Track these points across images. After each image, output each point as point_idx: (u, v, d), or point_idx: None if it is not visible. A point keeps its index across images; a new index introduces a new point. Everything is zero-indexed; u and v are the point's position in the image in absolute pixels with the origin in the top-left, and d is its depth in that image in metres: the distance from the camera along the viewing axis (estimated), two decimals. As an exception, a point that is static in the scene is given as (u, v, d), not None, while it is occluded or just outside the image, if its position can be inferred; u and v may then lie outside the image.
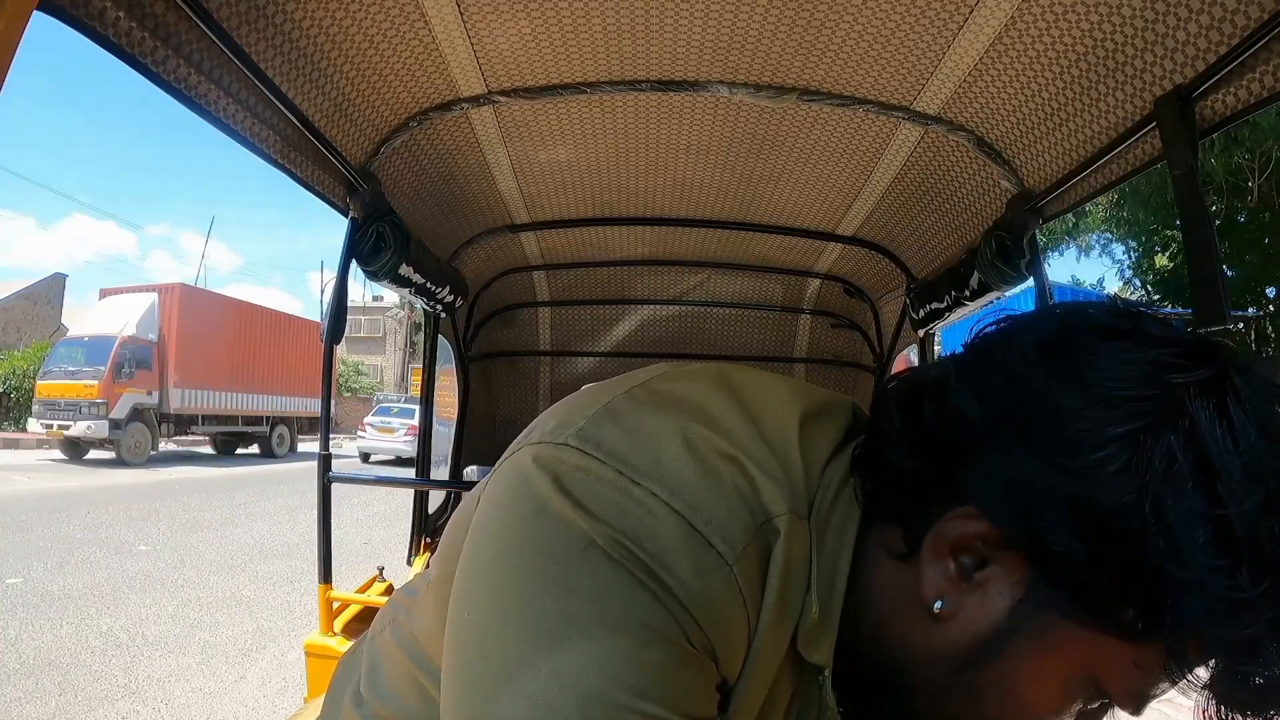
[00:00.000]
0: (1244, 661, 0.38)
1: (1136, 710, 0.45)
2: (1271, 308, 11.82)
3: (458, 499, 2.54)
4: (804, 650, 0.47)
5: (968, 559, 0.45)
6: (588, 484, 0.42)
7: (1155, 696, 0.44)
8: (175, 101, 0.97)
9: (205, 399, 15.22)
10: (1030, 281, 1.49)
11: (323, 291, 22.57)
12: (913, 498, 0.47)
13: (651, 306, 2.75)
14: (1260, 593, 0.37)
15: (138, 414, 13.64)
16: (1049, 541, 0.40)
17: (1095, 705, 0.45)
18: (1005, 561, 0.44)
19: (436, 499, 2.57)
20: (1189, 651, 0.40)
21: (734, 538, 0.42)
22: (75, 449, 13.49)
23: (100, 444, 13.29)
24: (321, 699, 0.71)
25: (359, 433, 17.27)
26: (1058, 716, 0.45)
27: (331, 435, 1.92)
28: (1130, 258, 14.11)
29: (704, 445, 0.45)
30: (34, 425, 13.66)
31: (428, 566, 0.63)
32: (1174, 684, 0.42)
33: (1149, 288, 13.22)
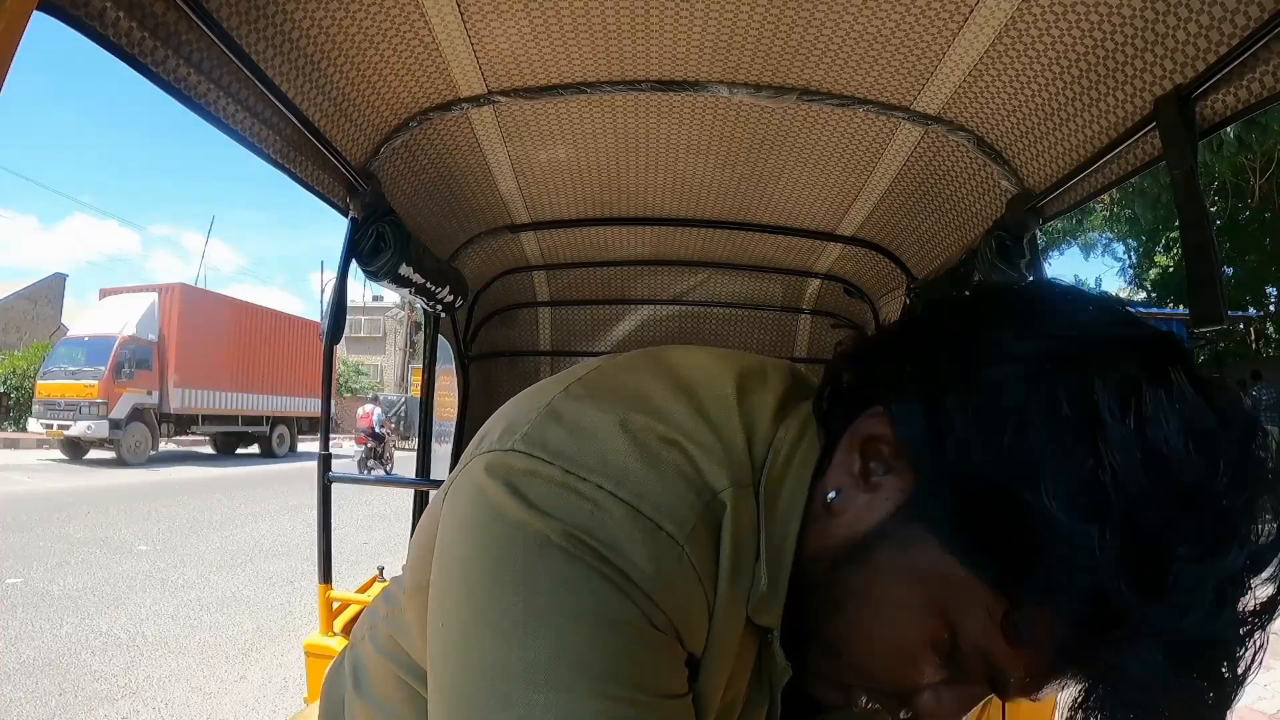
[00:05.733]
0: (1093, 618, 0.38)
1: (986, 680, 0.45)
2: (1272, 307, 11.82)
3: None
4: (754, 616, 0.48)
5: (875, 463, 0.47)
6: (537, 485, 0.44)
7: (1004, 673, 0.44)
8: (175, 101, 0.97)
9: (205, 399, 15.24)
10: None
11: (322, 291, 22.56)
12: (841, 405, 0.50)
13: (651, 306, 2.75)
14: (1114, 548, 0.36)
15: (138, 414, 13.65)
16: (934, 447, 0.42)
17: (944, 676, 0.46)
18: (899, 470, 0.46)
19: None
20: (1037, 614, 0.40)
21: (682, 518, 0.43)
22: (75, 449, 13.50)
23: (100, 444, 13.31)
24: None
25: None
26: (903, 656, 0.46)
27: (331, 435, 1.92)
28: (1131, 258, 14.12)
29: (643, 432, 0.46)
30: (34, 425, 13.69)
31: (402, 573, 0.64)
32: (1014, 644, 0.41)
33: (1149, 287, 13.22)
